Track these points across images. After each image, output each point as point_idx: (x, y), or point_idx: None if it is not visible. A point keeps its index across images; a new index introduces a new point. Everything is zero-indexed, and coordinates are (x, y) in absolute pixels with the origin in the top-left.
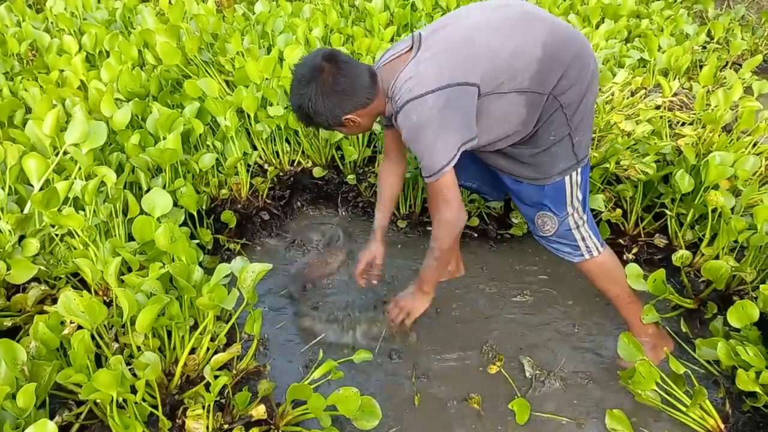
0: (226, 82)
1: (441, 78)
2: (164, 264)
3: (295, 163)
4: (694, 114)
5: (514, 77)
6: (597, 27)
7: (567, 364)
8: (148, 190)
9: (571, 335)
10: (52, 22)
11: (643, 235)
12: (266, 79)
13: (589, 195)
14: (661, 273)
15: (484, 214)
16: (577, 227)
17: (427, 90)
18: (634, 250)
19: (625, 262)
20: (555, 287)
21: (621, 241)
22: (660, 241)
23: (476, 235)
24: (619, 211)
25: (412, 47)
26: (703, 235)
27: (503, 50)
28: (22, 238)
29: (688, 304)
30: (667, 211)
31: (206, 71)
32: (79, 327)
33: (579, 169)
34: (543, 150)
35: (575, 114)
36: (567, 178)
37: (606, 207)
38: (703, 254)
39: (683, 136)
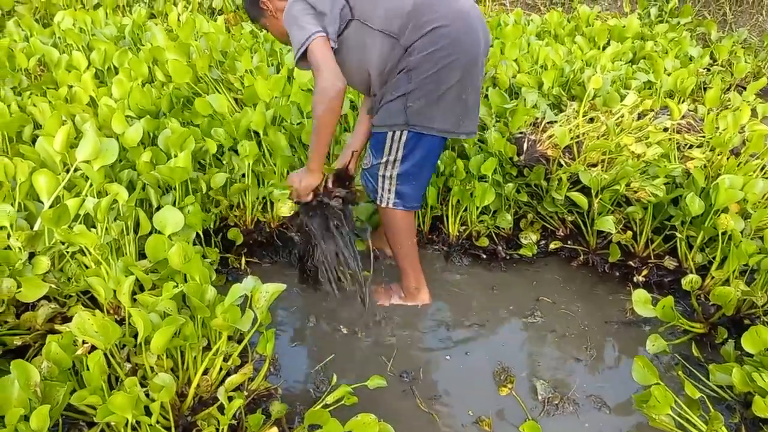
0: (235, 99)
1: None
2: (177, 283)
3: None
4: (702, 137)
5: (384, 17)
6: (603, 49)
7: (580, 387)
8: (158, 208)
9: (585, 358)
10: (59, 37)
11: (652, 257)
12: (276, 97)
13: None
14: (669, 300)
15: (493, 234)
16: (384, 177)
17: None
18: (644, 272)
19: (635, 285)
20: (568, 308)
21: (631, 263)
22: (670, 263)
23: (485, 256)
24: (629, 233)
25: None
26: (713, 258)
27: None
28: (31, 255)
29: (699, 328)
30: (677, 234)
31: (216, 89)
32: (93, 347)
33: (406, 132)
34: (382, 104)
35: (418, 79)
36: (390, 133)
37: (616, 229)
38: (713, 277)
39: (691, 159)
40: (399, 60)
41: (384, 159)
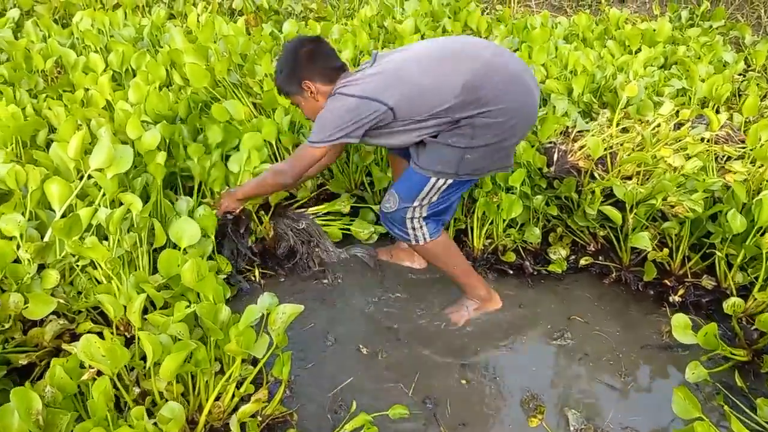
0: (254, 104)
1: (366, 91)
2: (190, 302)
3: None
4: (742, 148)
5: (430, 109)
6: (635, 53)
7: (615, 417)
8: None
9: (619, 385)
10: (77, 38)
11: (689, 276)
12: None
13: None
14: (713, 327)
15: (520, 248)
16: (412, 218)
17: (352, 94)
18: (681, 292)
19: (671, 305)
20: (600, 328)
21: (667, 281)
22: (708, 282)
23: (512, 271)
24: (665, 250)
25: (374, 61)
26: (756, 278)
27: (420, 84)
28: (41, 267)
29: (741, 356)
30: (716, 252)
31: (234, 93)
32: (100, 371)
33: (450, 181)
34: (437, 145)
35: (482, 138)
36: (433, 179)
37: (651, 246)
38: (755, 299)
39: (731, 172)
40: (457, 122)
41: (416, 204)
